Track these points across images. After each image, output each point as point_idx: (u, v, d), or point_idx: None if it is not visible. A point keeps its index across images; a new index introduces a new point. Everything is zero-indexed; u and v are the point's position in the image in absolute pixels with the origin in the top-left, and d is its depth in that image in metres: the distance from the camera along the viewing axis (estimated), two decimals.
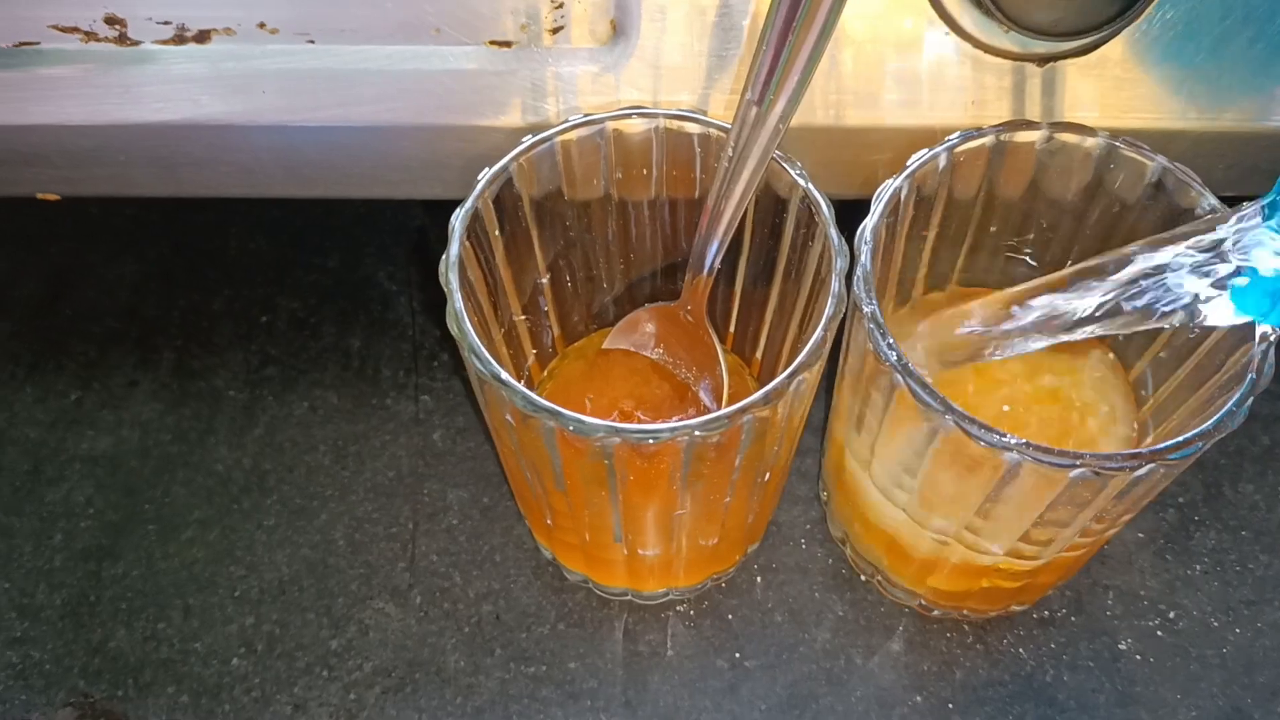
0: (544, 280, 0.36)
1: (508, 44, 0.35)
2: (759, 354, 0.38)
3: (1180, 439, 0.27)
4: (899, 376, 0.28)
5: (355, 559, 0.40)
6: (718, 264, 0.34)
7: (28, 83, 0.36)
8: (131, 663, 0.38)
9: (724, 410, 0.27)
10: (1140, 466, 0.27)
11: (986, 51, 0.34)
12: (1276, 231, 0.25)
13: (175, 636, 0.39)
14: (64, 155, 0.38)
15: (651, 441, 0.27)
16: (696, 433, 0.27)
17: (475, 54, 0.35)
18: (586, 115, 0.32)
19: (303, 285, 0.46)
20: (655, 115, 0.32)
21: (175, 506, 0.41)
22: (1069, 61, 0.34)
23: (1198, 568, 0.39)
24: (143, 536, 0.41)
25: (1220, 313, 0.26)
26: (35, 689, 0.38)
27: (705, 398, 0.36)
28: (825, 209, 0.30)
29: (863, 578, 0.39)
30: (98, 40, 0.36)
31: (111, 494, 0.42)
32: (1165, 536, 0.40)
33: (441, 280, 0.30)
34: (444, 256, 0.30)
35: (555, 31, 0.35)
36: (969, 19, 0.33)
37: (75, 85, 0.36)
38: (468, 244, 0.31)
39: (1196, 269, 0.26)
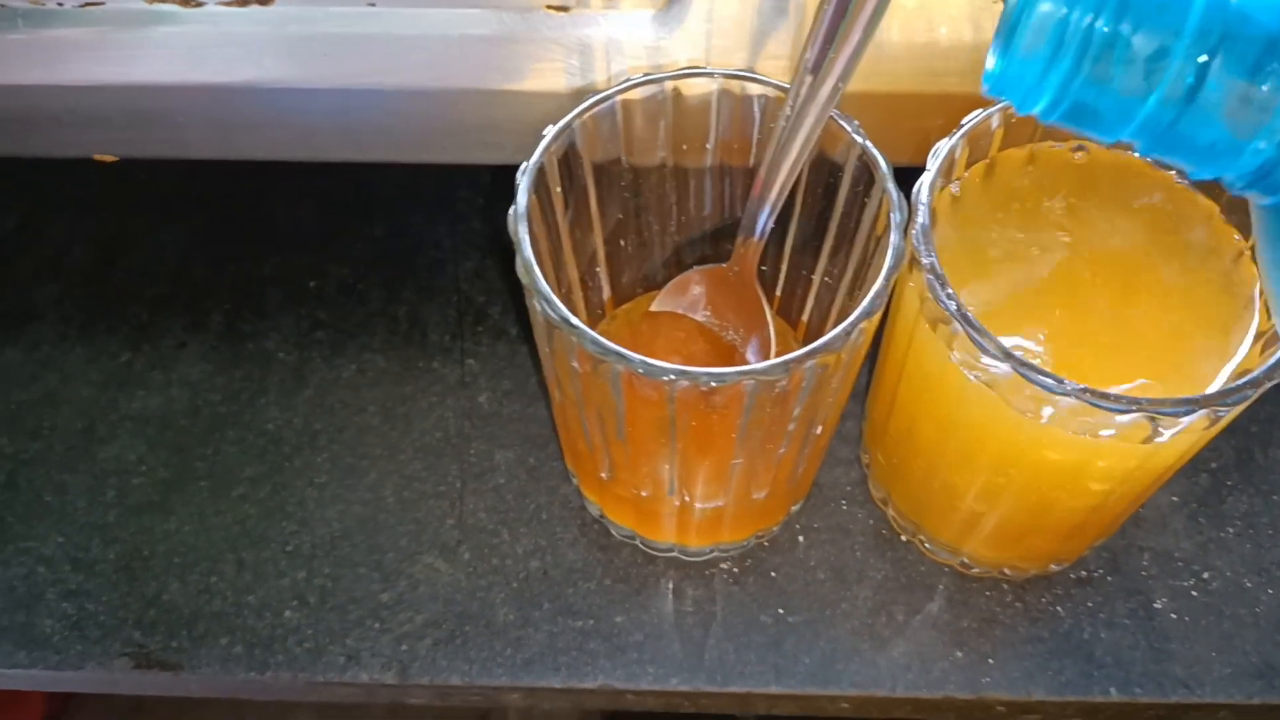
0: (600, 240, 0.37)
1: (564, 9, 0.36)
2: (805, 317, 0.39)
3: (1232, 385, 0.28)
4: (958, 325, 0.29)
5: (405, 516, 0.41)
6: (770, 227, 0.35)
7: (93, 43, 0.37)
8: (185, 615, 0.39)
9: (789, 355, 0.28)
10: (1193, 412, 0.28)
11: None
12: None
13: (228, 589, 0.39)
14: (124, 116, 0.39)
15: (715, 384, 0.28)
16: (762, 378, 0.28)
17: (532, 19, 0.36)
18: (647, 74, 0.33)
19: (350, 252, 0.47)
20: (715, 75, 0.33)
21: (226, 464, 0.42)
22: None
23: (1230, 530, 0.40)
24: (195, 493, 0.41)
25: None
26: (91, 639, 0.39)
27: (753, 358, 0.37)
28: (883, 165, 0.31)
29: (903, 538, 0.40)
30: (163, 1, 0.36)
31: (163, 452, 0.42)
32: (1198, 500, 0.41)
33: (510, 231, 0.30)
34: (511, 209, 0.31)
35: None
36: None
37: (139, 46, 0.37)
38: (533, 198, 0.31)
39: None
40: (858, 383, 0.42)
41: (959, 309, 0.29)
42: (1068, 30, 0.21)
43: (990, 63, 0.22)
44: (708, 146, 0.35)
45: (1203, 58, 0.20)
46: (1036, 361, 0.29)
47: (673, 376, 0.28)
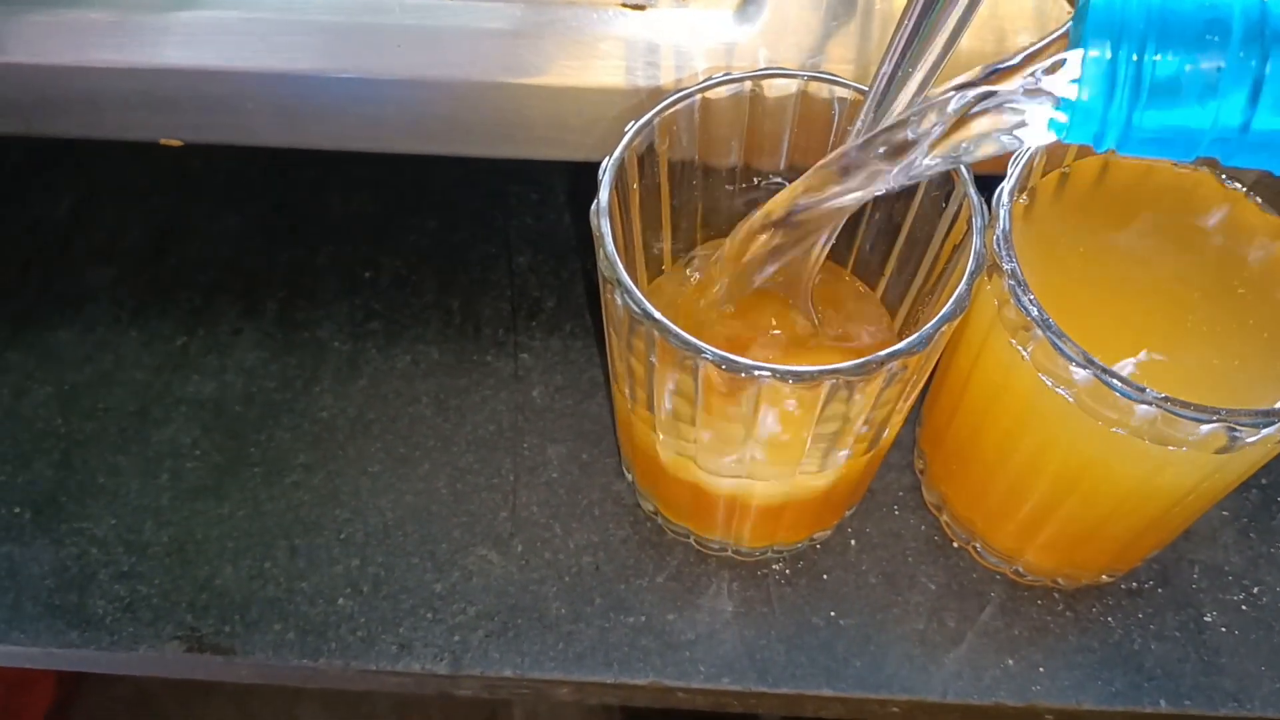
0: (668, 236, 0.37)
1: (640, 7, 0.36)
2: None
3: None
4: (1039, 330, 0.29)
5: (458, 507, 0.41)
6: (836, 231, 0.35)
7: (169, 26, 0.37)
8: (238, 599, 0.39)
9: (872, 356, 0.28)
10: (1272, 424, 0.28)
11: None
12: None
13: (281, 575, 0.40)
14: (194, 101, 0.39)
15: (796, 381, 0.28)
16: (844, 376, 0.28)
17: (608, 16, 0.36)
18: (728, 74, 0.33)
19: (404, 245, 0.47)
20: (797, 76, 0.33)
21: (280, 450, 0.42)
22: None
23: None
24: (248, 478, 0.42)
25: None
26: (143, 622, 0.39)
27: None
28: (965, 170, 0.31)
29: (956, 545, 0.40)
30: None
31: (217, 436, 0.42)
32: (1249, 515, 0.41)
33: (592, 224, 0.30)
34: (594, 203, 0.31)
35: None
36: None
37: (214, 30, 0.37)
38: (614, 193, 0.32)
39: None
40: None
41: (1041, 314, 0.29)
42: (1118, 70, 0.21)
43: (1057, 113, 0.23)
44: (781, 147, 0.35)
45: (1253, 66, 0.21)
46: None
47: (755, 372, 0.28)
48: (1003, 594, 0.39)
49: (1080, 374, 0.28)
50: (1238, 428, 0.28)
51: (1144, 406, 0.28)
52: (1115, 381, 0.28)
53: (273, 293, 0.46)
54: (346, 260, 0.47)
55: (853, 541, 0.40)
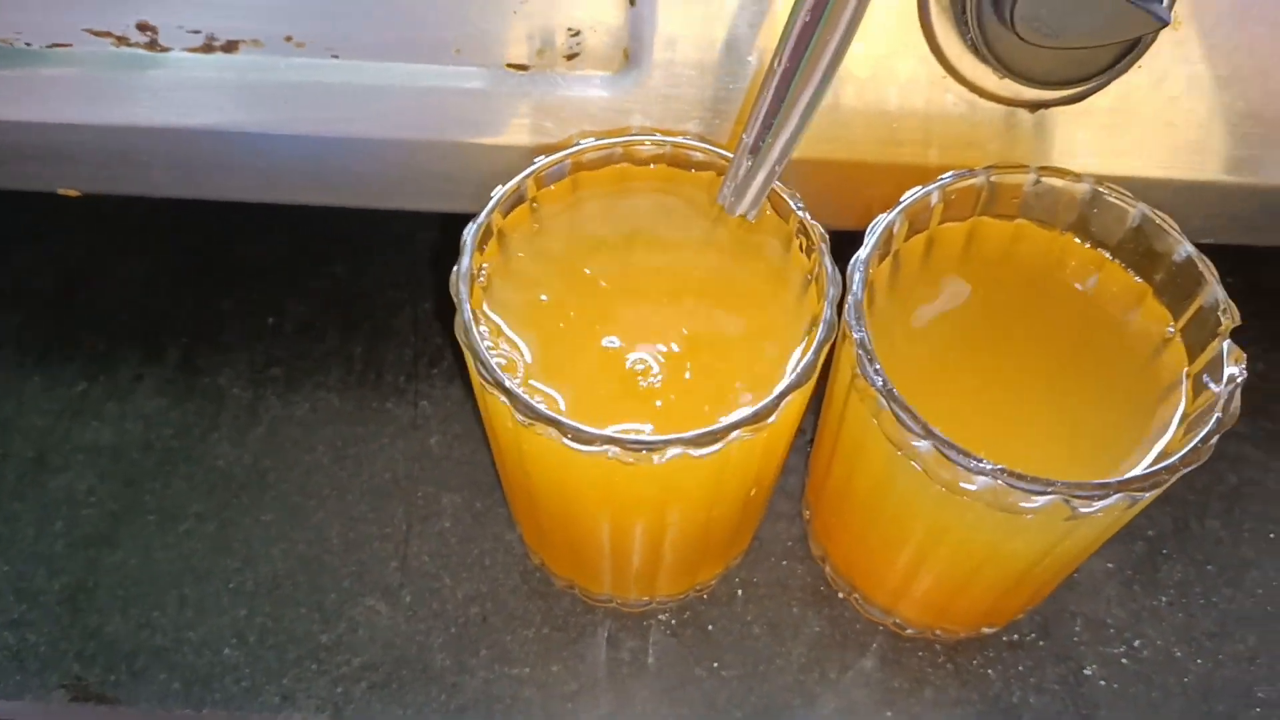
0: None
1: (524, 68, 0.37)
2: None
3: (1147, 470, 0.28)
4: (883, 400, 0.29)
5: (349, 557, 0.41)
6: None
7: (59, 81, 0.37)
8: (126, 649, 0.39)
9: (714, 426, 0.29)
10: (1108, 496, 0.28)
11: (981, 96, 0.36)
12: None
13: (169, 625, 0.40)
14: (89, 153, 0.40)
15: (645, 452, 0.29)
16: (690, 448, 0.29)
17: (492, 75, 0.37)
18: (599, 138, 0.34)
19: (309, 290, 0.48)
20: (665, 142, 0.34)
21: (175, 499, 0.42)
22: (1059, 109, 0.36)
23: (1163, 599, 0.41)
24: (142, 526, 0.42)
25: None
26: (30, 671, 0.39)
27: None
28: (820, 239, 0.32)
29: (840, 595, 0.40)
30: (129, 45, 0.37)
31: (113, 484, 0.43)
32: (1133, 567, 0.41)
33: (452, 291, 0.31)
34: (455, 268, 0.31)
35: (570, 58, 0.36)
36: (966, 65, 0.35)
37: (105, 87, 0.38)
38: (479, 256, 0.32)
39: None
40: (803, 435, 0.43)
41: (885, 385, 0.29)
42: None
43: None
44: None
45: None
46: (963, 439, 0.29)
47: (604, 446, 0.28)
48: (884, 644, 0.40)
49: (922, 445, 0.29)
50: (1073, 500, 0.28)
51: (982, 477, 0.28)
52: (952, 453, 0.28)
53: (175, 338, 0.46)
54: (251, 305, 0.47)
55: (739, 591, 0.41)
